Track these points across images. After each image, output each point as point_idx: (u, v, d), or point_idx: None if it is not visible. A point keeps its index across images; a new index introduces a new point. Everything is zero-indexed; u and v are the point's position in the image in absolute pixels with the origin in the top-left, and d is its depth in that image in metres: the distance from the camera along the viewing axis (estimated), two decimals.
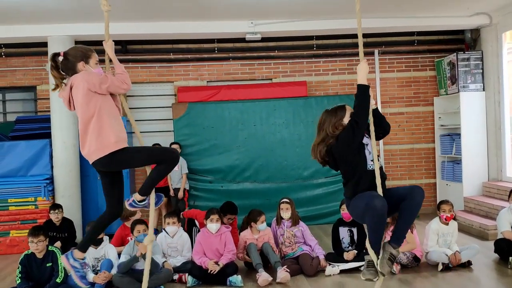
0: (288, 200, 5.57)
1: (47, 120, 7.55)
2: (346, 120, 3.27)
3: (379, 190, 3.19)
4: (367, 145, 3.28)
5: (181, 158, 7.76)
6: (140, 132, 8.24)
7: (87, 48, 3.26)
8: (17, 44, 7.96)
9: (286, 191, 8.00)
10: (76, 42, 7.48)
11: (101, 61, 3.38)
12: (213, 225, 5.30)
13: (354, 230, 5.46)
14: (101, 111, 3.13)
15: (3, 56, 8.22)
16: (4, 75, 8.33)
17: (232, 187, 8.15)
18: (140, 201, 3.42)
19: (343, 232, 5.50)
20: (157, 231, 7.74)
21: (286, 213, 5.52)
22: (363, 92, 3.21)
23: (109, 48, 3.33)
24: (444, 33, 8.72)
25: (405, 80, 8.96)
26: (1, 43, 7.87)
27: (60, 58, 3.23)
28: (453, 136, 8.44)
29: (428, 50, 8.93)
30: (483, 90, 8.10)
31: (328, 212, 8.01)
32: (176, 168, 7.65)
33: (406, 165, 8.96)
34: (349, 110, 3.32)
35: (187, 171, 7.78)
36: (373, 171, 3.22)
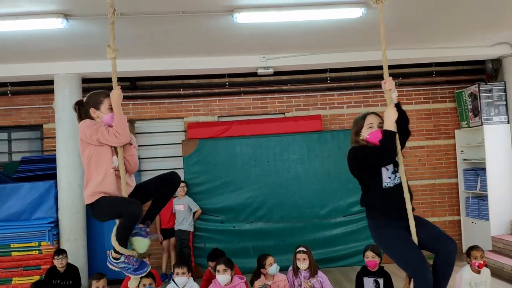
0: (305, 249, 5.15)
1: (53, 160, 7.27)
2: (364, 131, 3.22)
3: (410, 218, 3.06)
4: None
5: (186, 197, 7.45)
6: (149, 170, 8.12)
7: (100, 93, 3.21)
8: (23, 82, 7.79)
9: (302, 231, 7.66)
10: (83, 80, 7.30)
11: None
12: (220, 277, 4.90)
13: (381, 281, 5.00)
14: (90, 161, 3.11)
15: (9, 95, 8.05)
16: (9, 113, 8.14)
17: (244, 227, 7.76)
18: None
19: (368, 283, 5.04)
20: (165, 276, 7.37)
21: (303, 264, 5.10)
22: (389, 138, 3.09)
23: (114, 98, 3.14)
24: (463, 64, 8.40)
25: (424, 113, 8.61)
26: (7, 81, 7.68)
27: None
28: (477, 170, 8.01)
29: (447, 81, 8.61)
30: (508, 122, 7.71)
31: (348, 253, 7.57)
32: (181, 207, 7.35)
33: (428, 201, 8.52)
34: (369, 120, 3.25)
35: (198, 208, 7.47)
36: (391, 188, 3.13)
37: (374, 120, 3.24)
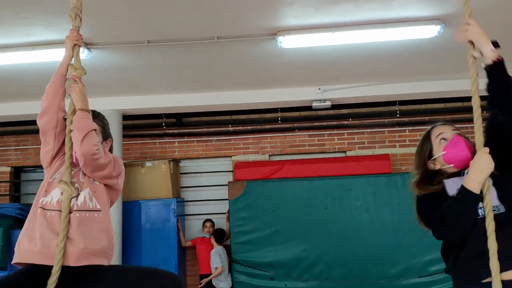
0: None
1: None
2: (436, 150, 2.11)
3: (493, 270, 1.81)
4: None
5: (217, 247, 6.60)
6: (193, 214, 7.35)
7: None
8: None
9: None
10: (124, 117, 6.78)
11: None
12: None
13: None
14: None
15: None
16: None
17: (298, 286, 6.64)
18: None
19: None
20: None
21: None
22: (464, 200, 1.90)
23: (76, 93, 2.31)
24: None
25: None
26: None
27: None
28: None
29: None
30: None
31: None
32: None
33: None
34: (436, 132, 2.15)
35: (218, 265, 6.47)
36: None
37: (445, 128, 2.14)
